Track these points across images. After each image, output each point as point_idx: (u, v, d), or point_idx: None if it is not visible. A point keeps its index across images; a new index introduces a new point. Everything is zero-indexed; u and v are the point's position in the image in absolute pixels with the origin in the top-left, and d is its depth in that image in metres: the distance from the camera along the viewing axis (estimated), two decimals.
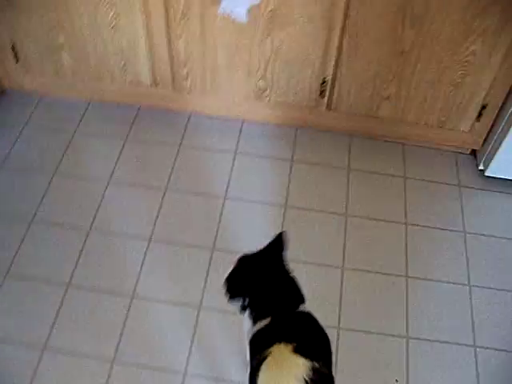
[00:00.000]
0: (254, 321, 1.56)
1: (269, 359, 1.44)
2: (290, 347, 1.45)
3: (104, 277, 2.15)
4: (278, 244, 1.63)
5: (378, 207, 2.37)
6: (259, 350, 1.49)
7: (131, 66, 2.44)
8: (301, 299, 1.61)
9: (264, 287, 1.58)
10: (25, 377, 1.92)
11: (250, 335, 1.57)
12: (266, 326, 1.53)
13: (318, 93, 2.38)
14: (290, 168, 2.48)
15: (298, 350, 1.45)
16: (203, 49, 2.31)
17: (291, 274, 1.63)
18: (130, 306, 2.07)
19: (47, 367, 1.94)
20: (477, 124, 2.38)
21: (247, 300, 1.58)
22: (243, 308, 1.59)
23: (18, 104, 2.68)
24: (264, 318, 1.54)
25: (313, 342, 1.55)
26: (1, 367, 1.95)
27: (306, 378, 1.40)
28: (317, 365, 1.45)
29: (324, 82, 2.34)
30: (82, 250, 2.21)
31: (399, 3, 2.03)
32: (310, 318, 1.59)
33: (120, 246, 2.23)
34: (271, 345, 1.47)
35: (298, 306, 1.59)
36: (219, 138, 2.57)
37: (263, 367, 1.44)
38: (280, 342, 1.46)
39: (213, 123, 2.61)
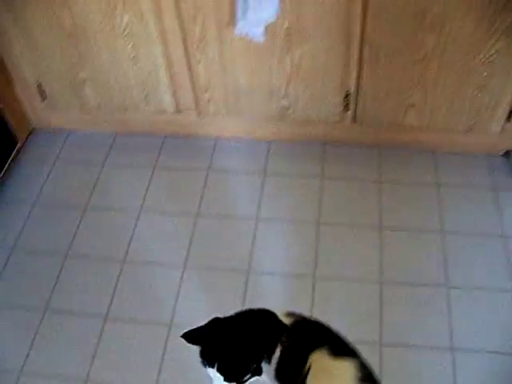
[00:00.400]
0: (269, 360, 1.50)
1: (313, 372, 1.39)
2: (326, 351, 1.41)
3: (141, 307, 2.14)
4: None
5: (412, 218, 2.32)
6: (294, 373, 1.45)
7: (154, 95, 2.45)
8: (273, 314, 1.55)
9: (256, 343, 1.49)
10: None
11: (273, 372, 1.50)
12: (282, 353, 1.48)
13: (342, 107, 2.36)
14: (320, 185, 2.45)
15: (336, 352, 1.41)
16: (223, 72, 2.31)
17: (241, 311, 1.58)
18: (168, 335, 2.06)
19: None
20: (508, 125, 2.32)
21: (255, 366, 1.49)
22: (258, 372, 1.50)
23: (46, 141, 2.72)
24: (274, 351, 1.49)
25: (337, 340, 1.50)
26: None
27: (360, 376, 1.37)
28: (361, 360, 1.42)
29: (347, 95, 2.32)
30: (117, 282, 2.21)
31: (417, 8, 2.00)
32: (304, 320, 1.56)
33: (155, 274, 2.23)
34: (305, 359, 1.42)
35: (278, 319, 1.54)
36: (247, 160, 2.56)
37: (309, 377, 1.39)
38: (313, 351, 1.42)
39: (239, 145, 2.60)
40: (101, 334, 2.08)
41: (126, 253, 2.29)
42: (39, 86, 2.52)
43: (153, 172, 2.55)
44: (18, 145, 2.65)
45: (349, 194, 2.42)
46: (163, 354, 2.01)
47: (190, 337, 1.46)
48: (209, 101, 2.43)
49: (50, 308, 2.17)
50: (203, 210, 2.41)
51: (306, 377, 1.40)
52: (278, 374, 1.49)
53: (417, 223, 2.30)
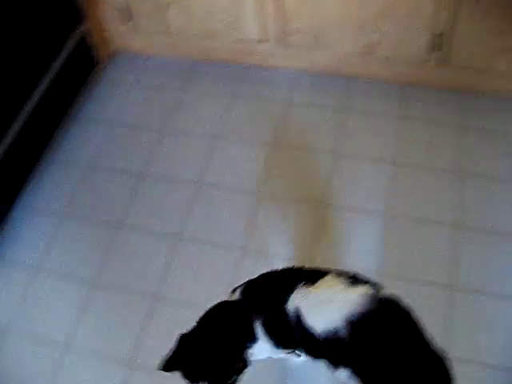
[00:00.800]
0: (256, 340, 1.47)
1: (306, 311, 1.36)
2: (301, 288, 1.39)
3: (213, 230, 2.16)
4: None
5: (492, 166, 2.24)
6: (287, 331, 1.41)
7: (238, 22, 2.42)
8: (228, 302, 1.53)
9: (230, 343, 1.45)
10: (135, 327, 1.98)
11: (272, 345, 1.47)
12: (263, 325, 1.44)
13: (430, 47, 2.28)
14: (399, 125, 2.39)
15: (311, 281, 1.39)
16: (313, 3, 2.25)
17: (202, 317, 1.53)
18: (241, 260, 2.07)
19: (159, 316, 1.98)
20: None
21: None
22: (245, 365, 1.46)
23: (127, 64, 2.74)
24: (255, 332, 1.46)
25: (301, 272, 1.49)
26: (115, 314, 2.02)
27: (348, 280, 1.37)
28: (335, 270, 1.42)
29: (437, 35, 2.24)
30: (190, 204, 2.24)
31: None
32: (251, 284, 1.53)
33: (228, 200, 2.24)
34: (285, 313, 1.39)
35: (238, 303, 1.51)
36: (327, 95, 2.51)
37: (307, 317, 1.36)
38: (287, 300, 1.39)
39: (321, 80, 2.55)
40: (172, 254, 2.12)
41: (200, 177, 2.31)
42: (125, 7, 2.51)
43: (230, 101, 2.54)
44: (99, 66, 2.67)
45: (427, 138, 2.35)
46: (233, 277, 2.03)
47: (168, 366, 1.43)
48: (294, 32, 2.38)
49: (124, 224, 2.21)
50: (279, 140, 2.39)
51: (301, 323, 1.36)
52: (276, 342, 1.47)
53: (497, 172, 2.23)
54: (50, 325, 2.03)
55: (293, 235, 2.13)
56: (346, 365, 1.37)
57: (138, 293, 2.04)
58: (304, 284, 1.39)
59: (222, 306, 1.51)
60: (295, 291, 1.39)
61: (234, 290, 1.53)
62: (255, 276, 1.53)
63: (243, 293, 1.50)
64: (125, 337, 1.96)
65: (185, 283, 2.05)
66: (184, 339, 1.46)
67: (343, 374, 1.39)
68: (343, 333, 1.30)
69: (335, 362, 1.40)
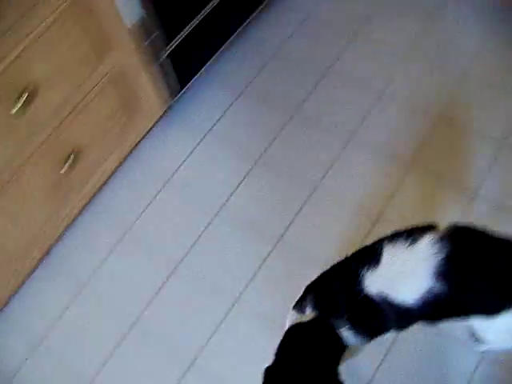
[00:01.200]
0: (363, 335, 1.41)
1: (387, 289, 1.32)
2: (368, 271, 1.34)
3: (383, 139, 2.18)
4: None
5: None
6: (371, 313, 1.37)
7: None
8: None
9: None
10: (291, 209, 2.06)
11: (361, 335, 1.40)
12: (350, 320, 1.38)
13: None
14: None
15: (371, 263, 1.35)
16: None
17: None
18: (404, 174, 2.08)
19: (315, 204, 2.07)
20: None
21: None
22: None
23: None
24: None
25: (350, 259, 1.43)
26: (274, 193, 2.11)
27: (405, 239, 1.33)
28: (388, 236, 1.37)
29: None
30: (368, 110, 2.26)
31: None
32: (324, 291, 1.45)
33: (403, 115, 2.23)
34: (366, 301, 1.33)
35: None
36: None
37: (394, 295, 1.31)
38: (361, 291, 1.34)
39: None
40: (338, 151, 2.17)
41: (381, 86, 2.32)
42: None
43: (427, 25, 2.46)
44: None
45: None
46: (393, 190, 2.06)
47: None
48: None
49: (298, 114, 2.29)
50: (465, 76, 2.31)
51: (391, 303, 1.31)
52: (371, 335, 1.42)
53: None
54: (209, 184, 2.18)
55: (445, 155, 2.12)
56: (451, 315, 1.36)
57: (299, 179, 2.13)
58: (369, 268, 1.34)
59: (298, 329, 1.43)
60: (366, 278, 1.34)
61: (296, 306, 1.47)
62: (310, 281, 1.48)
63: (316, 307, 1.42)
64: (278, 215, 2.06)
65: (354, 182, 2.10)
66: (270, 371, 1.39)
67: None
68: (439, 287, 1.28)
69: (436, 319, 1.40)
